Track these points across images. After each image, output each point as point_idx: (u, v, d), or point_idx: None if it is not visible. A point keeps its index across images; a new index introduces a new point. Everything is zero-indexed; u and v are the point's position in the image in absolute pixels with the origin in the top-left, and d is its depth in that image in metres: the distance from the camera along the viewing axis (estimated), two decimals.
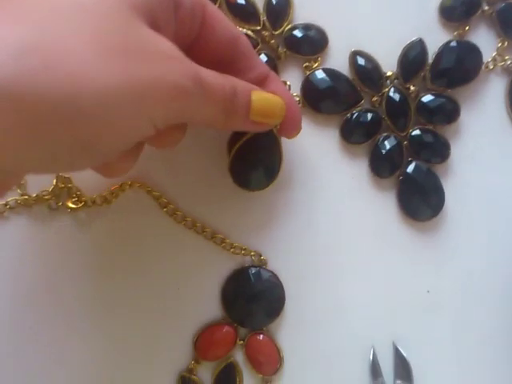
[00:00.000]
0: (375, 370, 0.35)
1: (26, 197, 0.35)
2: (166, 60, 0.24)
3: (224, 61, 0.29)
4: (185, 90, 0.24)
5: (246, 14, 0.35)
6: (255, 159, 0.33)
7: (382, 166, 0.35)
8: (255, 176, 0.33)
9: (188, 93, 0.24)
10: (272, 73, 0.31)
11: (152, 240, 0.35)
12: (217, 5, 0.35)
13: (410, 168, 0.35)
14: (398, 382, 0.35)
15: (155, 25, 0.25)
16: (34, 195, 0.35)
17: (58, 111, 0.21)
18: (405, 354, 0.35)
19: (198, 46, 0.29)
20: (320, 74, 0.35)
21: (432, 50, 0.36)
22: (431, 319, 0.36)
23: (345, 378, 0.35)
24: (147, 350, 0.35)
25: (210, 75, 0.26)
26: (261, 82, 0.30)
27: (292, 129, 0.32)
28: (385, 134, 0.35)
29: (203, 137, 0.35)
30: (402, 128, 0.35)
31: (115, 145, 0.24)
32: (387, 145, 0.35)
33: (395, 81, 0.35)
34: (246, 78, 0.29)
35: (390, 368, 0.35)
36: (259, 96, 0.28)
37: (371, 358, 0.35)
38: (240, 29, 0.35)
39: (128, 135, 0.24)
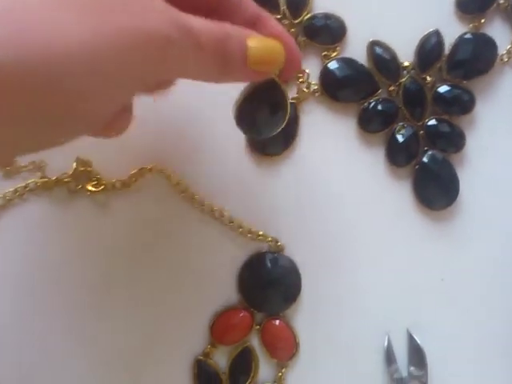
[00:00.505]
0: (390, 356, 0.35)
1: (46, 179, 0.35)
2: (142, 9, 0.22)
3: (209, 6, 0.27)
4: (168, 38, 0.22)
5: (266, 3, 0.35)
6: (260, 115, 0.30)
7: (398, 155, 0.36)
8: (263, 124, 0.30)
9: (172, 41, 0.22)
10: (264, 13, 0.29)
11: (170, 224, 0.35)
12: None
13: (426, 157, 0.36)
14: (412, 368, 0.35)
15: None
16: (54, 178, 0.35)
17: (39, 77, 0.19)
18: (419, 342, 0.35)
19: None
20: (338, 63, 0.35)
21: (448, 41, 0.36)
22: (445, 307, 0.36)
23: (359, 364, 0.36)
24: (164, 334, 0.35)
25: (196, 21, 0.24)
26: (253, 25, 0.28)
27: (292, 70, 0.30)
28: (401, 124, 0.36)
29: (222, 123, 0.35)
30: (418, 118, 0.36)
31: (104, 107, 0.23)
32: (404, 134, 0.36)
33: (412, 71, 0.36)
34: (236, 22, 0.27)
35: (404, 355, 0.36)
36: (256, 42, 0.26)
37: (386, 345, 0.35)
38: None
39: (116, 94, 0.22)
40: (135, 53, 0.21)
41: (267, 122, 0.30)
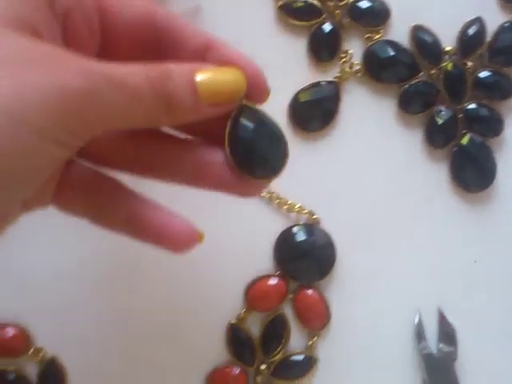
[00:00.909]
0: (420, 333, 0.36)
1: None
2: (43, 62, 0.20)
3: (148, 44, 0.26)
4: (79, 90, 0.20)
5: None
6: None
7: (436, 137, 0.37)
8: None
9: (85, 92, 0.20)
10: (216, 39, 0.26)
11: (210, 193, 0.37)
12: None
13: (465, 140, 0.37)
14: (442, 345, 0.36)
15: (35, 33, 0.22)
16: None
17: None
18: (450, 320, 0.36)
19: (111, 37, 0.26)
20: (382, 45, 0.37)
21: (490, 29, 0.37)
22: (477, 288, 0.37)
23: (389, 339, 0.36)
24: (200, 298, 0.36)
25: (121, 68, 0.22)
26: (204, 55, 0.26)
27: (259, 93, 0.26)
28: (441, 107, 0.37)
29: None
30: (457, 101, 0.37)
31: (23, 181, 0.21)
32: (443, 116, 0.37)
33: (453, 56, 0.37)
34: (181, 55, 0.25)
35: (434, 332, 0.36)
36: (206, 74, 0.24)
37: (416, 321, 0.36)
38: None
39: (33, 161, 0.20)
40: (41, 109, 0.20)
41: (267, 146, 0.26)
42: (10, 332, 0.35)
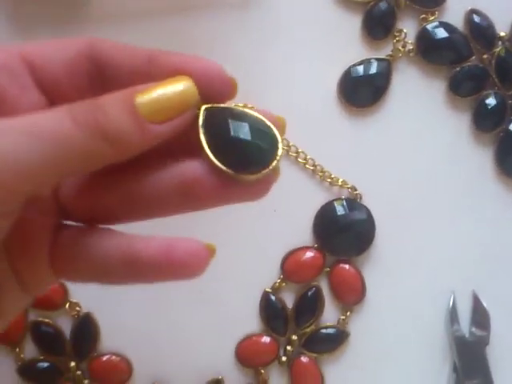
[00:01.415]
0: (453, 315, 0.36)
1: None
2: None
3: (91, 80, 0.24)
4: None
5: None
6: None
7: (484, 121, 0.37)
8: None
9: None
10: (158, 51, 0.24)
11: None
12: None
13: None
14: (474, 329, 0.36)
15: None
16: None
17: None
18: (484, 304, 0.36)
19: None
20: (437, 26, 0.37)
21: None
22: None
23: (422, 319, 0.36)
24: (237, 265, 0.36)
25: (37, 116, 0.21)
26: (148, 72, 0.23)
27: (225, 90, 0.23)
28: (491, 91, 0.37)
29: (313, 69, 0.37)
30: (508, 87, 0.37)
31: None
32: (492, 101, 0.37)
33: (507, 42, 0.37)
34: (126, 80, 0.23)
35: (467, 316, 0.36)
36: (145, 93, 0.21)
37: (450, 303, 0.36)
38: None
39: None
40: None
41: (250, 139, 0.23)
42: None
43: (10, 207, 0.20)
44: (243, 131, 0.23)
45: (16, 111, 0.22)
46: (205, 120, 0.23)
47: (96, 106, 0.21)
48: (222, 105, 0.23)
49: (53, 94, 0.24)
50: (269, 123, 0.24)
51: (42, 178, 0.20)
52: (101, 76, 0.24)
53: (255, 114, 0.23)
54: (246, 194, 0.24)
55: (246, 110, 0.24)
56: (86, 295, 0.36)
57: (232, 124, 0.23)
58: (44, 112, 0.21)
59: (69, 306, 0.36)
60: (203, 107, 0.23)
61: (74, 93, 0.24)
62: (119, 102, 0.21)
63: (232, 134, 0.23)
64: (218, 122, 0.23)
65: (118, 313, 0.36)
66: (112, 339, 0.36)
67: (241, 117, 0.23)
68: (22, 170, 0.19)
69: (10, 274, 0.23)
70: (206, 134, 0.23)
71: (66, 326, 0.36)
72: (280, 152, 0.24)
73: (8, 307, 0.23)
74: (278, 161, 0.23)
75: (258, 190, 0.24)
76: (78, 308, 0.36)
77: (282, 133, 0.24)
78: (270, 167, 0.23)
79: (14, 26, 0.36)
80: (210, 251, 0.24)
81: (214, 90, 0.23)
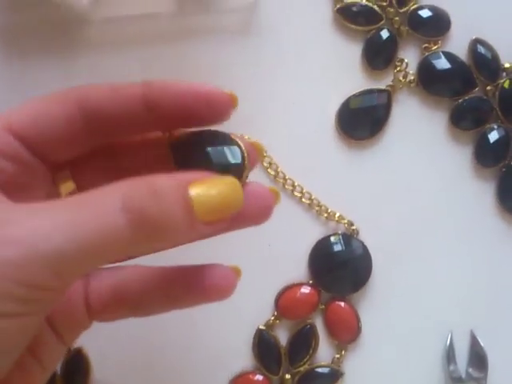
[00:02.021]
0: (450, 355, 0.35)
1: None
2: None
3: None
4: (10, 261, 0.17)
5: None
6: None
7: (486, 155, 0.36)
8: None
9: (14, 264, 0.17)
10: (148, 84, 0.23)
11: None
12: None
13: None
14: (471, 370, 0.35)
15: None
16: None
17: None
18: (482, 344, 0.35)
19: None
20: (439, 56, 0.35)
21: None
22: None
23: (418, 358, 0.36)
24: (231, 300, 0.35)
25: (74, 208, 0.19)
26: (143, 100, 0.23)
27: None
28: (494, 124, 0.36)
29: (313, 104, 0.36)
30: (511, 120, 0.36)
31: None
32: (495, 135, 0.35)
33: None
34: (122, 131, 0.23)
35: (465, 355, 0.36)
36: (200, 186, 0.20)
37: (448, 343, 0.35)
38: (365, 2, 0.35)
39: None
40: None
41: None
42: None
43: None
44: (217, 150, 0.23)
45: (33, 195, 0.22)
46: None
47: (153, 191, 0.19)
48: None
49: (52, 157, 0.23)
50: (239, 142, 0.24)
51: (75, 270, 0.19)
52: (97, 127, 0.23)
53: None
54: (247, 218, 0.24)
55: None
56: None
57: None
58: (92, 193, 0.19)
59: None
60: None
61: (75, 150, 0.23)
62: (175, 190, 0.20)
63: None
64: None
65: (109, 346, 0.35)
66: (103, 373, 0.35)
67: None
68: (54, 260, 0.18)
69: (46, 327, 0.23)
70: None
71: None
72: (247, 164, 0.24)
73: (48, 360, 0.23)
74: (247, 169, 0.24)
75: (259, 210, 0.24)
76: None
77: (260, 155, 0.26)
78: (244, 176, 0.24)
79: (9, 51, 0.35)
80: (237, 273, 0.25)
81: (216, 110, 0.23)
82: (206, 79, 0.35)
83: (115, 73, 0.35)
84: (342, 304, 0.35)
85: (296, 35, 0.35)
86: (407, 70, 0.36)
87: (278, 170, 0.35)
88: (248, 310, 0.35)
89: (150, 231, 0.19)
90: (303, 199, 0.35)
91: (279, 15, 0.35)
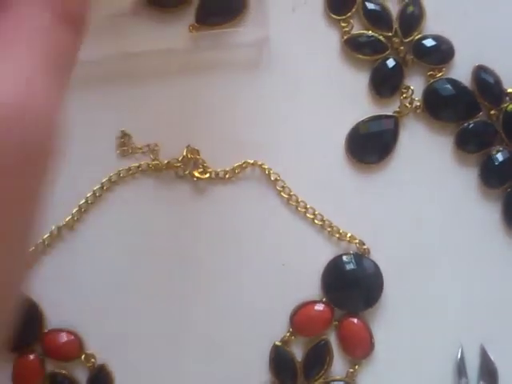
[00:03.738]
0: (461, 369, 0.36)
1: (158, 162, 0.38)
2: None
3: None
4: None
5: (379, 21, 0.37)
6: None
7: (492, 177, 0.37)
8: None
9: None
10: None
11: (263, 217, 0.38)
12: (354, 10, 0.37)
13: None
14: (482, 383, 0.36)
15: None
16: (165, 162, 0.38)
17: None
18: (492, 358, 0.36)
19: None
20: (443, 83, 0.37)
21: None
22: None
23: (430, 373, 0.37)
24: (247, 318, 0.37)
25: None
26: None
27: None
28: (499, 147, 0.37)
29: (323, 127, 0.38)
30: None
31: None
32: (500, 157, 0.37)
33: None
34: None
35: (476, 369, 0.37)
36: None
37: (459, 357, 0.37)
38: (371, 33, 0.37)
39: None
40: None
41: None
42: (64, 337, 0.37)
43: None
44: None
45: None
46: None
47: None
48: None
49: None
50: None
51: None
52: None
53: None
54: None
55: None
56: (100, 346, 0.37)
57: None
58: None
59: (84, 357, 0.37)
60: None
61: None
62: None
63: None
64: None
65: (132, 364, 0.37)
66: None
67: None
68: None
69: None
70: None
71: (82, 377, 0.37)
72: None
73: None
74: None
75: None
76: (93, 360, 0.37)
77: None
78: None
79: None
80: None
81: None
82: (214, 112, 0.38)
83: (129, 106, 0.38)
84: (355, 320, 0.37)
85: (306, 66, 0.37)
86: (413, 96, 0.37)
87: (291, 193, 0.37)
88: (264, 326, 0.37)
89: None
90: (315, 221, 0.37)
91: (289, 48, 0.37)
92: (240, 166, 0.38)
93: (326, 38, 0.38)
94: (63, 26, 0.20)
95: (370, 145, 0.37)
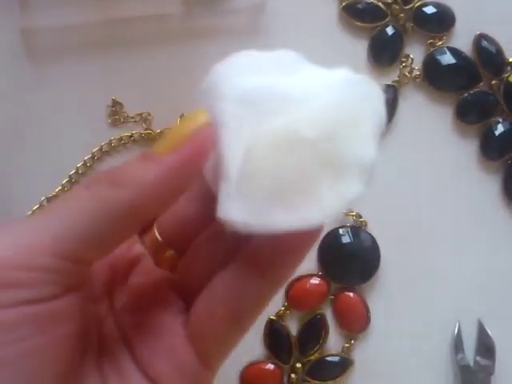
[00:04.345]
0: (458, 344, 0.36)
1: (150, 131, 0.37)
2: None
3: None
4: None
5: None
6: None
7: (492, 149, 0.36)
8: None
9: None
10: None
11: None
12: None
13: None
14: (479, 358, 0.36)
15: None
16: (158, 131, 0.37)
17: None
18: (489, 333, 0.36)
19: None
20: (444, 52, 0.36)
21: None
22: None
23: (427, 347, 0.36)
24: None
25: None
26: None
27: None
28: (499, 118, 0.36)
29: None
30: None
31: None
32: (500, 128, 0.36)
33: None
34: None
35: (473, 344, 0.36)
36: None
37: (455, 331, 0.36)
38: (371, 0, 0.36)
39: None
40: None
41: None
42: None
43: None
44: None
45: None
46: None
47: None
48: None
49: None
50: None
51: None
52: None
53: None
54: None
55: None
56: None
57: None
58: None
59: None
60: None
61: None
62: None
63: None
64: None
65: None
66: None
67: None
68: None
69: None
70: None
71: None
72: None
73: None
74: None
75: None
76: None
77: None
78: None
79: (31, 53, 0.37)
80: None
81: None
82: None
83: (120, 74, 0.37)
84: (351, 294, 0.36)
85: (303, 33, 0.36)
86: (413, 65, 0.37)
87: None
88: None
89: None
90: None
91: (286, 14, 0.36)
92: None
93: (324, 4, 0.37)
94: None
95: None
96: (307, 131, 0.20)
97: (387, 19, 0.36)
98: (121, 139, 0.37)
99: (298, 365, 0.36)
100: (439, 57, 0.36)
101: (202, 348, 0.22)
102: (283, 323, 0.36)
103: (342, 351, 0.36)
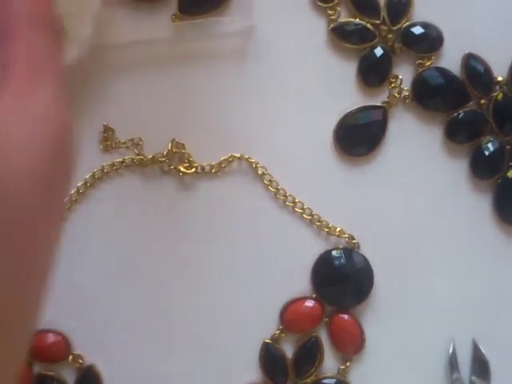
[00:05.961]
0: (453, 364, 0.36)
1: (142, 157, 0.37)
2: None
3: None
4: None
5: (367, 8, 0.36)
6: None
7: (482, 168, 0.36)
8: None
9: None
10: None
11: (251, 212, 0.37)
12: None
13: (511, 173, 0.36)
14: (474, 378, 0.36)
15: None
16: (150, 156, 0.37)
17: None
18: (484, 352, 0.36)
19: None
20: (432, 72, 0.36)
21: None
22: None
23: (422, 368, 0.36)
24: (236, 315, 0.36)
25: None
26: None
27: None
28: (489, 137, 0.36)
29: (310, 119, 0.37)
30: (506, 132, 0.36)
31: None
32: (490, 147, 0.36)
33: (505, 86, 0.36)
34: None
35: (468, 364, 0.36)
36: None
37: (450, 351, 0.36)
38: (359, 21, 0.36)
39: None
40: None
41: None
42: (51, 338, 0.36)
43: None
44: None
45: None
46: None
47: None
48: None
49: None
50: None
51: None
52: None
53: None
54: None
55: None
56: (88, 347, 0.36)
57: None
58: None
59: (72, 358, 0.36)
60: None
61: None
62: None
63: None
64: None
65: (120, 364, 0.37)
66: None
67: None
68: None
69: None
70: None
71: (69, 378, 0.37)
72: None
73: None
74: None
75: None
76: (80, 360, 0.36)
77: None
78: None
79: None
80: None
81: None
82: (201, 103, 0.37)
83: (111, 100, 0.37)
84: (346, 316, 0.36)
85: (292, 56, 0.36)
86: (402, 86, 0.37)
87: (279, 187, 0.37)
88: (253, 323, 0.37)
89: None
90: (304, 215, 0.36)
91: (275, 38, 0.36)
92: (226, 159, 0.37)
93: (312, 27, 0.36)
94: (56, 41, 0.23)
95: (358, 137, 0.36)
96: None
97: (375, 40, 0.36)
98: (113, 165, 0.37)
99: None
100: (428, 77, 0.36)
101: None
102: (278, 346, 0.36)
103: (338, 373, 0.36)
